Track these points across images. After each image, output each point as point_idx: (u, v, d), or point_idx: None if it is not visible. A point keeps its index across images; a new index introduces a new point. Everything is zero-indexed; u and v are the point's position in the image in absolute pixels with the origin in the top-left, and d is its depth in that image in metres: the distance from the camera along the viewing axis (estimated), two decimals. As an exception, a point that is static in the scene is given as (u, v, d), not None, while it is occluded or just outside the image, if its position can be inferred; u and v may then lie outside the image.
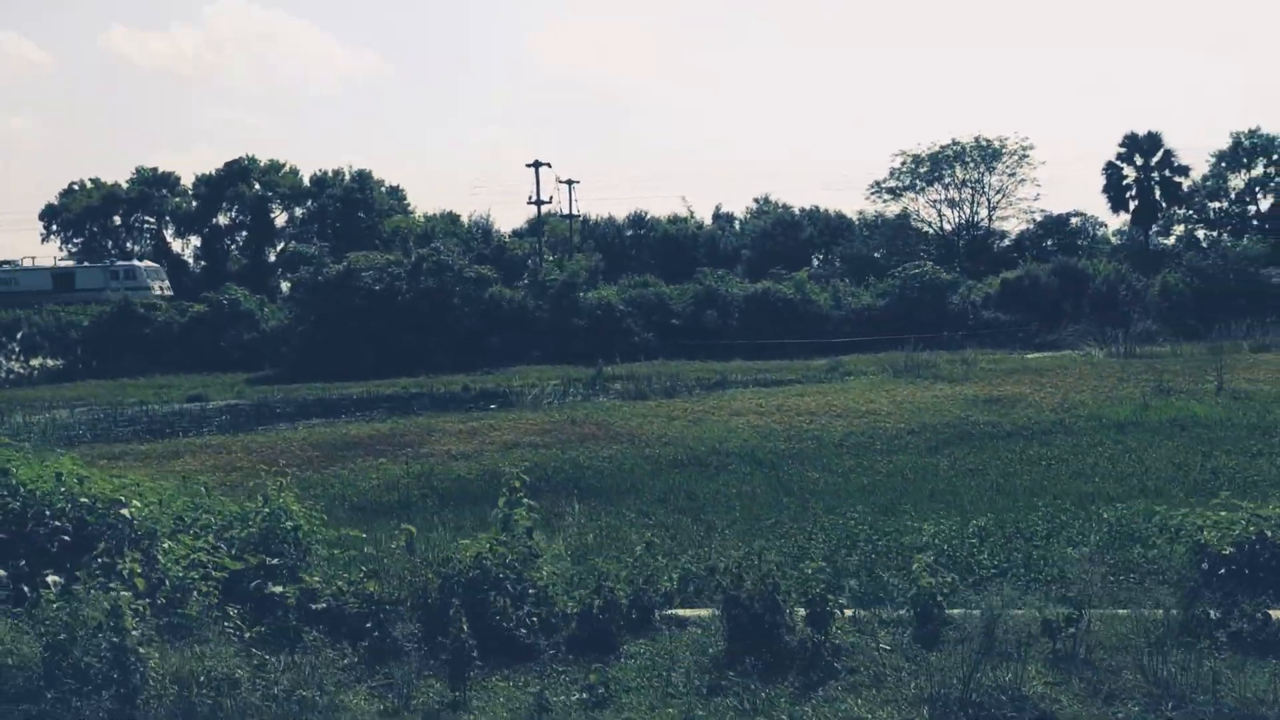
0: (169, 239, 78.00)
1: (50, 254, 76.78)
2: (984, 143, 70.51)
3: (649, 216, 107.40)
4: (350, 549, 7.58)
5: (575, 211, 59.58)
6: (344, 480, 15.95)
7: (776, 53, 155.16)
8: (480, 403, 30.73)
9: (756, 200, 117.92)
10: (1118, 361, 31.16)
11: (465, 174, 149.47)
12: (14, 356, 45.87)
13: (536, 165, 51.96)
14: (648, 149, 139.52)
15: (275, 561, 6.17)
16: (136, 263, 59.44)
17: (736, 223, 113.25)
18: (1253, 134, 74.80)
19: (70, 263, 66.64)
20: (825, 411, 21.48)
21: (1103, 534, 9.41)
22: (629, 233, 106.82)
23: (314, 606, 5.42)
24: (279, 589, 5.75)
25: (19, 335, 46.99)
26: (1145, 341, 35.61)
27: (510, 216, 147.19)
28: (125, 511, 5.23)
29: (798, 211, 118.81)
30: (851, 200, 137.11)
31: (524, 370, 40.78)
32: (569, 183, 56.23)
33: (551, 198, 52.68)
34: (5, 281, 58.62)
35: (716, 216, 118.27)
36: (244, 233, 78.04)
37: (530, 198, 52.87)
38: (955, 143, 70.73)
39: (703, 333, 44.05)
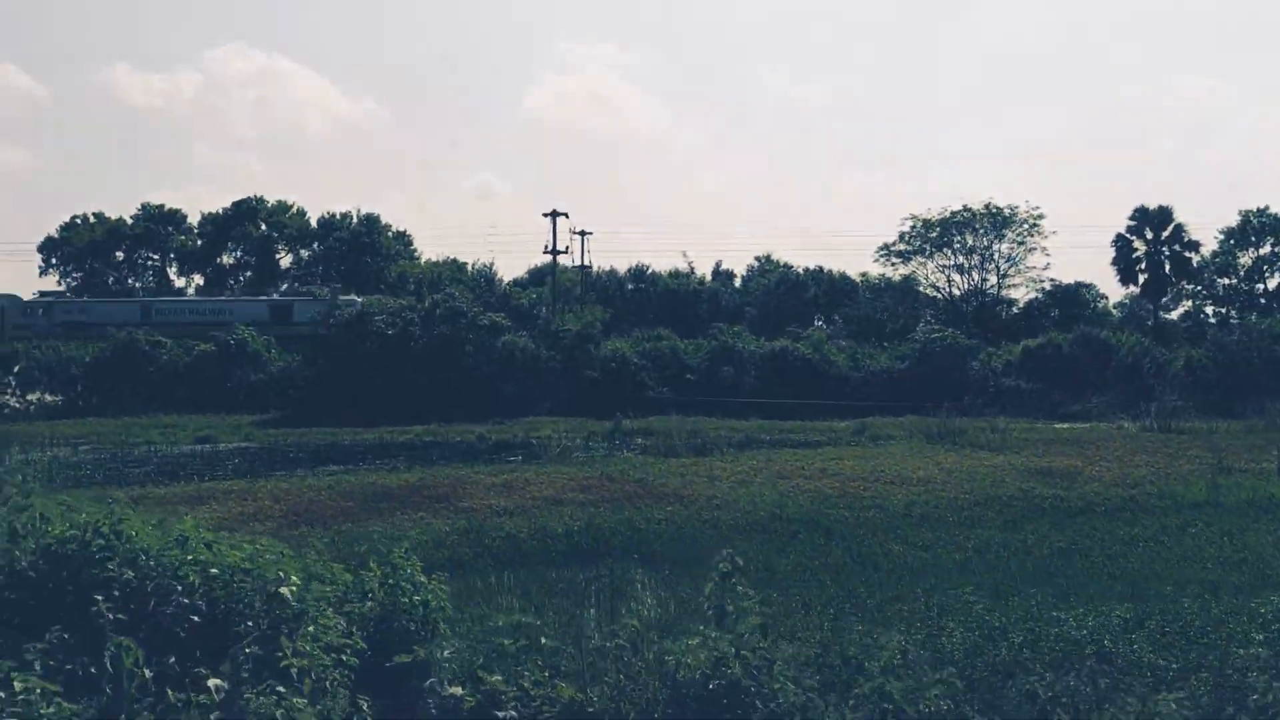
0: (172, 276, 77.18)
1: (48, 286, 75.85)
2: (994, 210, 70.51)
3: (650, 270, 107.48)
4: (472, 626, 6.68)
5: (588, 262, 59.01)
6: (386, 535, 14.95)
7: (777, 114, 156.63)
8: (500, 454, 29.79)
9: (758, 259, 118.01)
10: (1154, 436, 30.40)
11: (453, 221, 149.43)
12: (9, 390, 44.63)
13: (554, 215, 51.53)
14: (642, 204, 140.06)
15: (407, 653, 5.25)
16: (356, 297, 57.41)
17: (737, 280, 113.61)
18: (1261, 213, 75.24)
19: (285, 297, 62.79)
20: (874, 478, 20.61)
21: (1271, 632, 8.54)
22: (630, 286, 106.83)
23: (500, 715, 4.48)
24: (427, 682, 4.82)
25: (15, 369, 45.83)
26: (1173, 416, 34.91)
27: (509, 265, 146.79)
28: (285, 590, 4.32)
29: (800, 271, 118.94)
30: (852, 263, 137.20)
31: (537, 421, 39.84)
32: (582, 234, 55.87)
33: (568, 248, 52.19)
34: (218, 312, 56.13)
35: (717, 273, 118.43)
36: (248, 273, 77.28)
37: (546, 246, 52.28)
38: (966, 209, 70.74)
39: (718, 389, 43.25)
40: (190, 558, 4.52)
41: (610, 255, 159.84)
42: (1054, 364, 42.80)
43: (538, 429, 37.43)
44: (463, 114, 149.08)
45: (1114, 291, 77.73)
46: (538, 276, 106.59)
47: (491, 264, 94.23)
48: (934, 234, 71.80)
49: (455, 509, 17.23)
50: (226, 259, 77.61)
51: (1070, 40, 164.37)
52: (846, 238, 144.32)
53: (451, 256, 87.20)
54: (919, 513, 16.48)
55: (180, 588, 4.25)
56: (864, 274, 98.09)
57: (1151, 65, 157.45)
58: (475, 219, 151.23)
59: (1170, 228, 74.16)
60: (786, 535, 14.68)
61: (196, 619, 4.20)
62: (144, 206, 76.29)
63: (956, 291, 72.96)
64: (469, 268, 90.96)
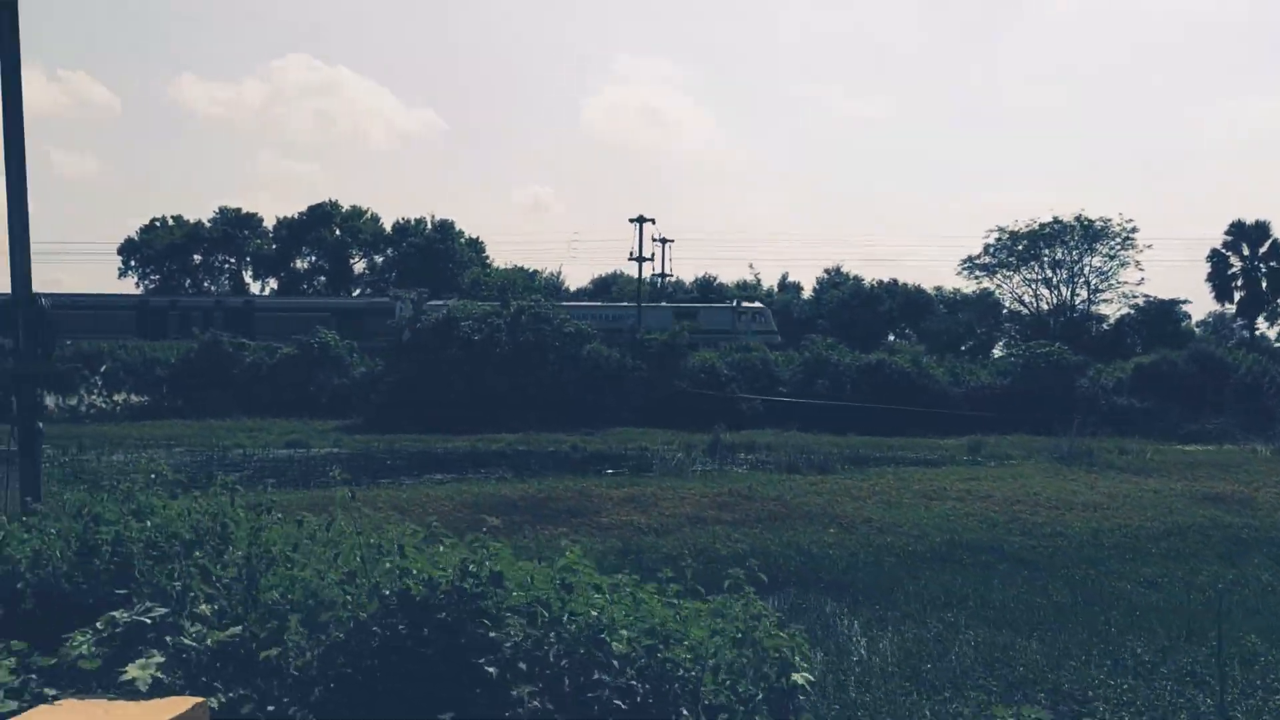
0: (247, 279, 77.41)
1: (127, 288, 76.57)
2: (1086, 222, 68.09)
3: (716, 282, 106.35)
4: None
5: (668, 270, 57.69)
6: (539, 554, 13.80)
7: (831, 129, 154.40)
8: (598, 464, 28.61)
9: (827, 271, 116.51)
10: (1299, 460, 28.44)
11: (511, 230, 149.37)
12: (96, 390, 44.50)
13: (640, 220, 50.36)
14: (696, 217, 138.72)
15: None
16: (760, 305, 56.92)
17: (804, 292, 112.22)
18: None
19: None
20: (1029, 500, 19.06)
21: None
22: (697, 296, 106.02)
23: None
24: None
25: (102, 369, 45.71)
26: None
27: (574, 275, 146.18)
28: (800, 678, 3.12)
29: (872, 285, 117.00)
30: (917, 278, 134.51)
31: (626, 432, 38.69)
32: (664, 241, 54.58)
33: (653, 255, 50.79)
34: (614, 318, 53.28)
35: (783, 286, 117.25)
36: (322, 277, 77.28)
37: (631, 253, 51.10)
38: (1056, 221, 68.40)
39: (811, 402, 41.78)
40: (613, 616, 3.31)
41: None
42: (1169, 382, 40.67)
43: (628, 440, 36.27)
44: (518, 126, 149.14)
45: (1197, 309, 74.77)
46: (602, 286, 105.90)
47: (559, 272, 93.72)
48: (1020, 247, 69.57)
49: (595, 524, 16.05)
50: (301, 263, 77.69)
51: (1140, 60, 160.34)
52: (907, 251, 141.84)
53: (516, 264, 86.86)
54: (1109, 541, 14.95)
55: (606, 657, 3.05)
56: (938, 288, 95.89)
57: (1232, 84, 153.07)
58: (532, 228, 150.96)
59: (1268, 243, 71.29)
60: (980, 565, 13.25)
61: (625, 704, 2.98)
62: (221, 210, 76.70)
63: (1045, 306, 70.63)
64: (537, 276, 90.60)
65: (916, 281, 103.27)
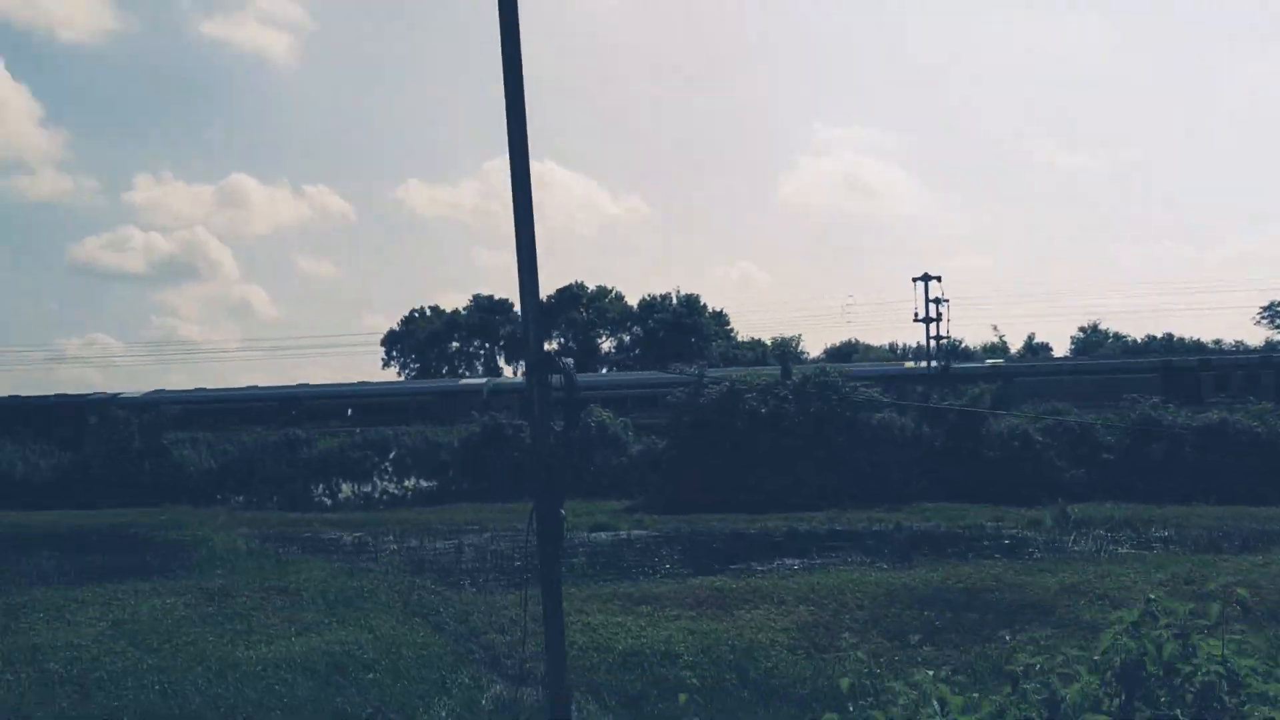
0: (501, 364, 79.27)
1: (390, 377, 79.99)
2: None
3: (963, 344, 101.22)
4: None
5: (946, 332, 54.05)
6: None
7: (1046, 185, 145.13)
8: (940, 545, 25.50)
9: (1082, 329, 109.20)
10: None
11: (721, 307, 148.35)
12: (387, 476, 45.43)
13: (925, 279, 47.32)
14: (900, 285, 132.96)
15: None
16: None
17: (1055, 352, 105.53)
18: None
19: None
20: None
21: None
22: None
23: None
24: None
25: (390, 455, 46.71)
26: None
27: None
28: None
29: (1136, 340, 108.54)
30: (1187, 327, 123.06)
31: (939, 507, 35.29)
32: (936, 301, 51.17)
33: (939, 314, 47.41)
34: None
35: (1030, 346, 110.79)
36: (569, 359, 78.03)
37: (916, 314, 48.00)
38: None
39: (1142, 469, 37.05)
40: None
41: (878, 331, 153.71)
42: None
43: (945, 516, 32.96)
44: (720, 204, 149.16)
45: None
46: (835, 354, 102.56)
47: (798, 340, 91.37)
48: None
49: (1077, 623, 13.17)
50: (549, 345, 78.92)
51: None
52: (1163, 304, 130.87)
53: (754, 337, 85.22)
54: None
55: None
56: (1217, 340, 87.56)
57: None
58: (744, 300, 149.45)
59: None
60: None
61: None
62: (475, 298, 79.29)
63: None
64: (770, 345, 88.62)
65: (1193, 335, 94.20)
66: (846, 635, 12.49)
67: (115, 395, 59.97)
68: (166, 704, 9.73)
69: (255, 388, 61.89)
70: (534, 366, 9.01)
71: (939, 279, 47.37)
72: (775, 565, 21.63)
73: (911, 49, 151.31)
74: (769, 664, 11.11)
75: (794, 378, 41.45)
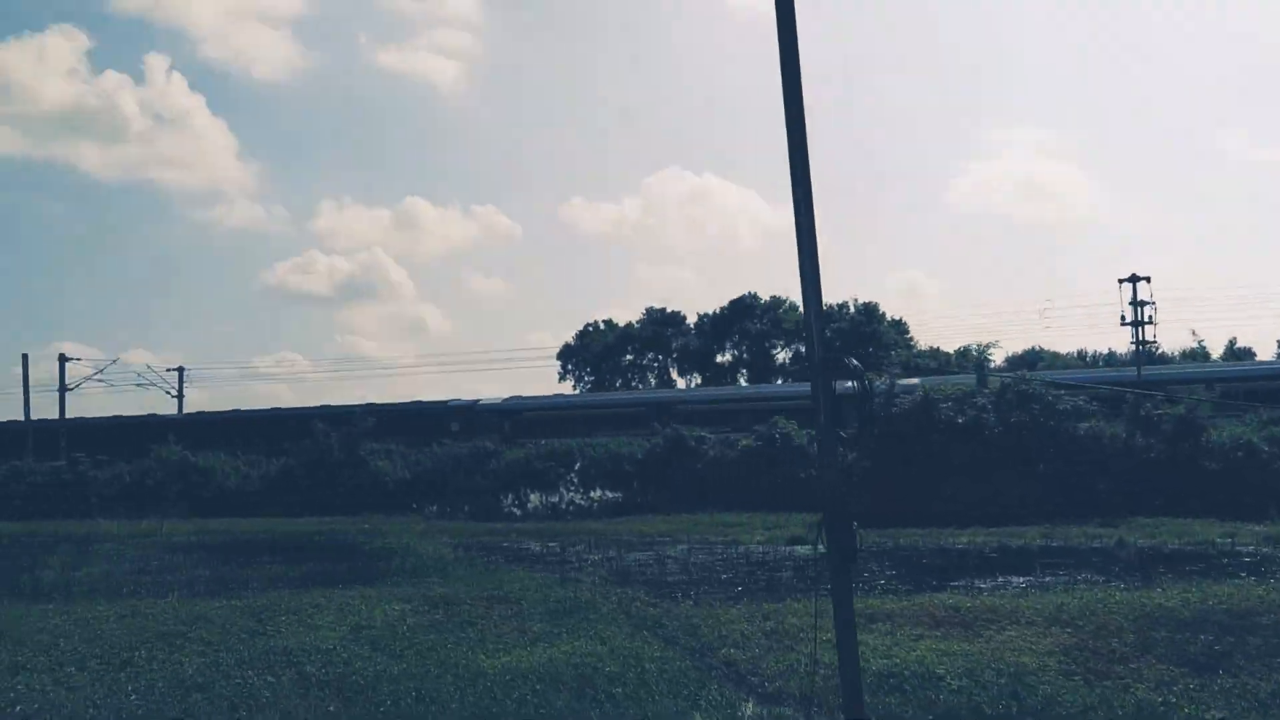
0: (674, 375, 79.33)
1: (565, 390, 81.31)
2: None
3: (1159, 350, 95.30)
4: None
5: (1153, 337, 50.65)
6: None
7: (1237, 181, 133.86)
8: (1163, 564, 23.43)
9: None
10: None
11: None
12: (573, 488, 45.90)
13: (1134, 279, 44.41)
14: (1077, 288, 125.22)
15: None
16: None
17: (1259, 357, 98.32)
18: None
19: None
20: None
21: None
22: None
23: None
24: None
25: (576, 466, 47.19)
26: None
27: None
28: None
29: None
30: None
31: (1158, 521, 32.78)
32: (1141, 304, 47.85)
33: (1151, 317, 44.34)
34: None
35: (1232, 351, 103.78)
36: (744, 370, 77.43)
37: (1124, 317, 45.12)
38: None
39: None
40: None
41: (1067, 338, 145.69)
42: None
43: (1169, 531, 30.51)
44: (884, 212, 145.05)
45: None
46: (1016, 363, 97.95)
47: (986, 349, 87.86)
48: None
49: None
50: (723, 357, 78.46)
51: None
52: None
53: (934, 346, 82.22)
54: None
55: None
56: None
57: None
58: (912, 310, 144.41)
59: None
60: None
61: None
62: (648, 310, 79.70)
63: None
64: (952, 354, 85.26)
65: None
66: (1132, 664, 11.43)
67: (475, 402, 63.21)
68: (427, 711, 9.66)
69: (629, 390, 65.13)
70: (819, 368, 8.43)
71: (1148, 279, 44.27)
72: (1000, 582, 20.33)
73: (1075, 39, 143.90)
74: (1048, 690, 10.18)
75: (992, 387, 39.55)
